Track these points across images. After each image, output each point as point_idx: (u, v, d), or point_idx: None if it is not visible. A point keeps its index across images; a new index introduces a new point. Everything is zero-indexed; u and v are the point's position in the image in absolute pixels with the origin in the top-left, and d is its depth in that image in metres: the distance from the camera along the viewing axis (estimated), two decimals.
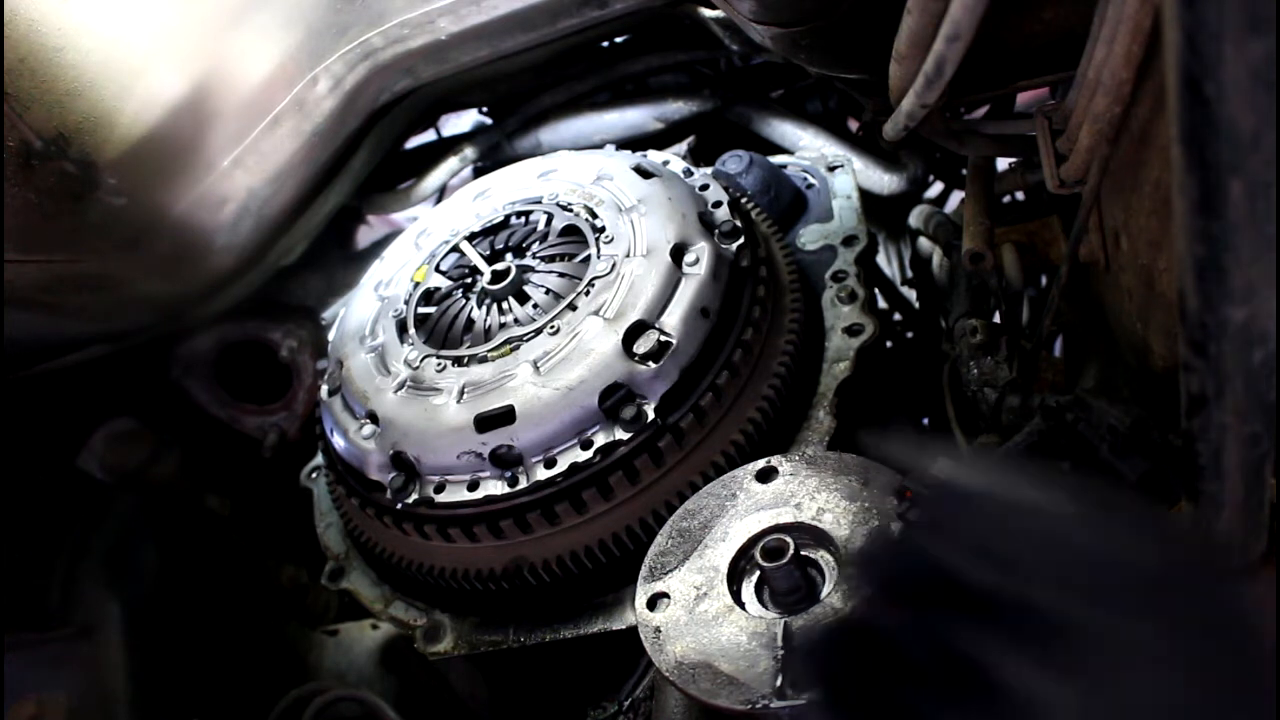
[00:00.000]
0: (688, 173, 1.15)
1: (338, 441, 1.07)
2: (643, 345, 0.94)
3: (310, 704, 1.09)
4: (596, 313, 0.96)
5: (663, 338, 0.95)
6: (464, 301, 1.08)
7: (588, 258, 1.03)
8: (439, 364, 1.01)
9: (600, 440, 0.94)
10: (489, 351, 1.00)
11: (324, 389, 1.12)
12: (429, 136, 1.61)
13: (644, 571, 0.78)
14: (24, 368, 1.24)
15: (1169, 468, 0.69)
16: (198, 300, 1.32)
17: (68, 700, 1.06)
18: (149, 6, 0.98)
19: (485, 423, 0.95)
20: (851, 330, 1.09)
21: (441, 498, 0.97)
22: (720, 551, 0.77)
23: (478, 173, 1.52)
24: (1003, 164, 1.14)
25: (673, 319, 0.96)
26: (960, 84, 0.78)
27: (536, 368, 0.96)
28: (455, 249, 1.14)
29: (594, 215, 1.07)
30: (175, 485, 1.46)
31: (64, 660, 1.08)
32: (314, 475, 1.28)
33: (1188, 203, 0.47)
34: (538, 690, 1.16)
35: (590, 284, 1.00)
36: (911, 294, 1.47)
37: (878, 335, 1.09)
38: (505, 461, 0.95)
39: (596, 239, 1.04)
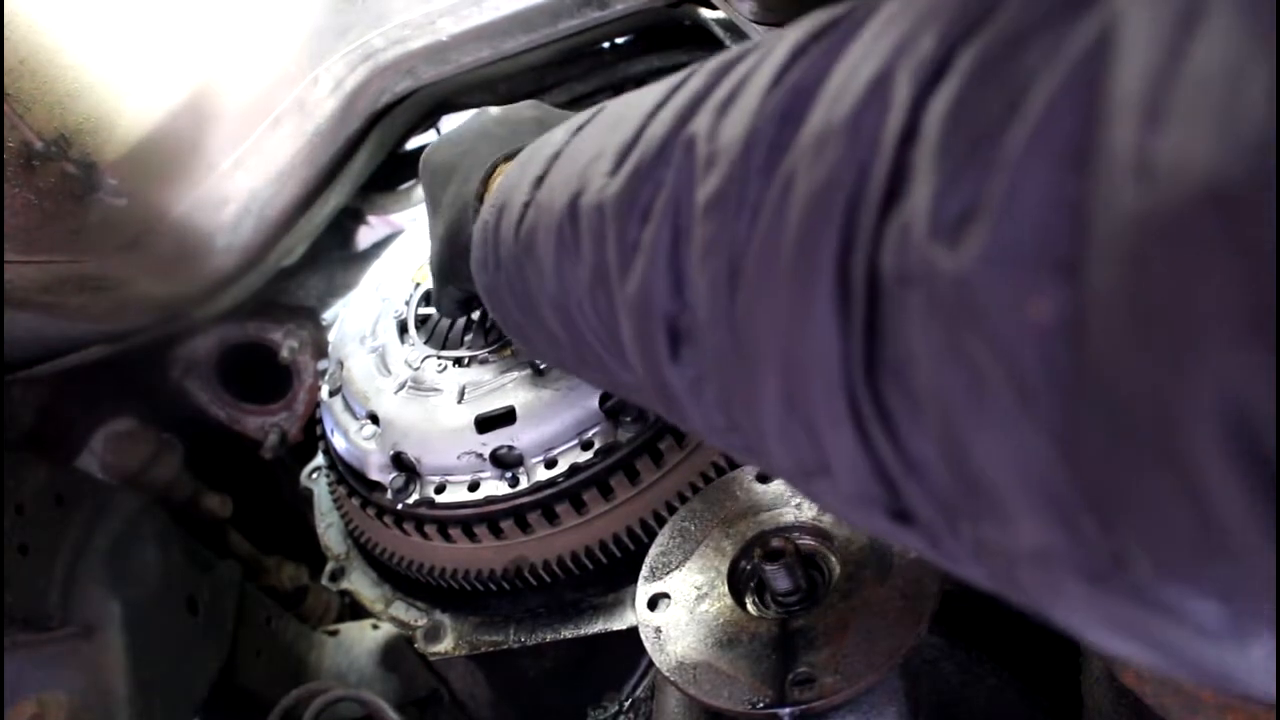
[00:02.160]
0: None
1: (338, 442, 1.07)
2: None
3: (310, 704, 1.09)
4: None
5: None
6: None
7: None
8: (439, 365, 1.01)
9: (601, 441, 0.94)
10: (489, 352, 1.00)
11: (324, 389, 1.12)
12: (430, 137, 1.61)
13: (644, 571, 0.78)
14: (24, 368, 1.25)
15: None
16: (198, 301, 1.31)
17: (68, 700, 1.06)
18: (150, 7, 0.98)
19: (486, 423, 0.95)
20: None
21: (442, 498, 0.97)
22: (721, 551, 0.77)
23: None
24: None
25: None
26: None
27: (536, 368, 0.96)
28: None
29: None
30: (175, 485, 1.46)
31: (64, 660, 1.08)
32: (314, 476, 1.28)
33: None
34: (538, 690, 1.16)
35: None
36: None
37: None
38: (506, 462, 0.95)
39: None
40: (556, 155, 0.56)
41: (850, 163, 0.31)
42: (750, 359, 0.38)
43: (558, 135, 0.59)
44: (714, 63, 0.44)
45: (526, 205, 0.57)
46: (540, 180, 0.56)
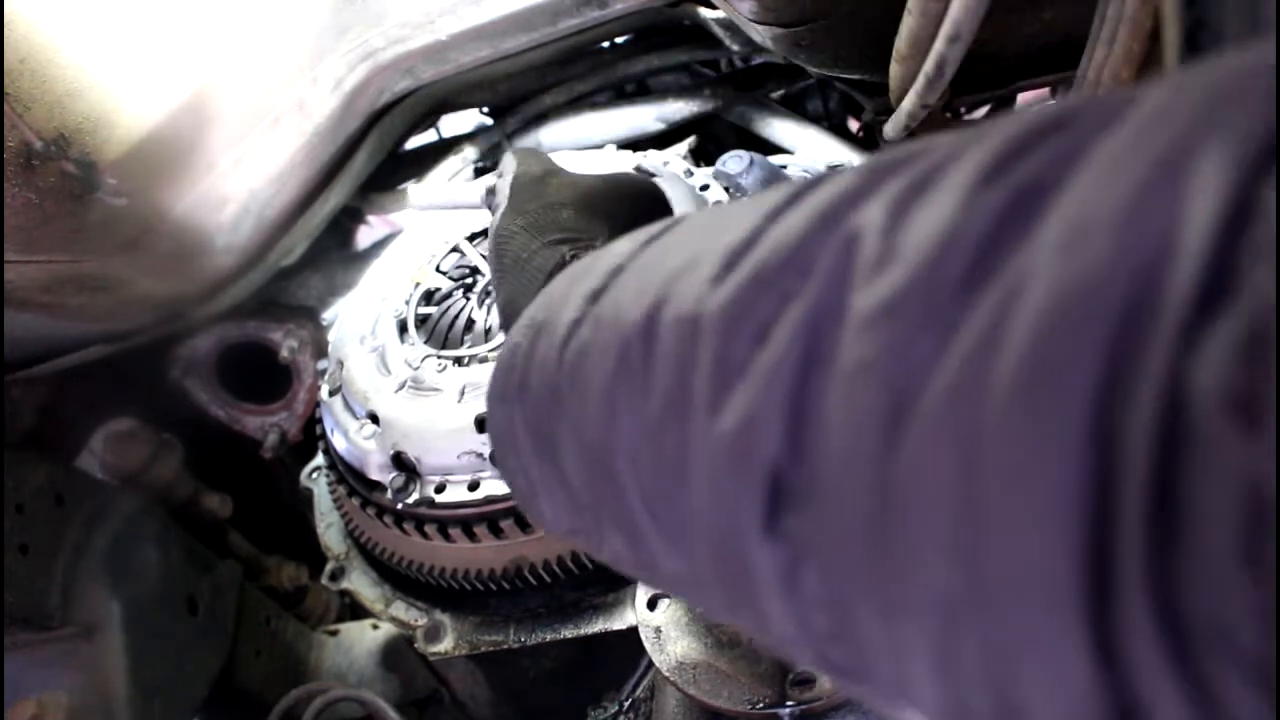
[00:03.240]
0: (688, 173, 1.15)
1: (338, 442, 1.07)
2: None
3: (310, 704, 1.09)
4: None
5: None
6: (464, 302, 1.08)
7: None
8: (439, 364, 1.01)
9: None
10: (489, 351, 1.00)
11: (324, 389, 1.12)
12: (430, 137, 1.61)
13: None
14: (24, 367, 1.24)
15: None
16: (198, 300, 1.31)
17: (68, 700, 1.06)
18: (150, 7, 0.98)
19: (486, 423, 0.95)
20: None
21: (442, 498, 0.97)
22: None
23: (478, 173, 1.52)
24: None
25: None
26: (961, 84, 0.78)
27: None
28: (455, 249, 1.14)
29: None
30: (175, 485, 1.46)
31: (64, 660, 1.08)
32: (314, 475, 1.28)
33: None
34: (538, 690, 1.16)
35: None
36: None
37: None
38: None
39: None
40: (620, 269, 0.45)
41: (1125, 260, 0.22)
42: (901, 539, 0.27)
43: (620, 246, 0.48)
44: (870, 161, 0.34)
45: (577, 323, 0.46)
46: (597, 294, 0.45)
